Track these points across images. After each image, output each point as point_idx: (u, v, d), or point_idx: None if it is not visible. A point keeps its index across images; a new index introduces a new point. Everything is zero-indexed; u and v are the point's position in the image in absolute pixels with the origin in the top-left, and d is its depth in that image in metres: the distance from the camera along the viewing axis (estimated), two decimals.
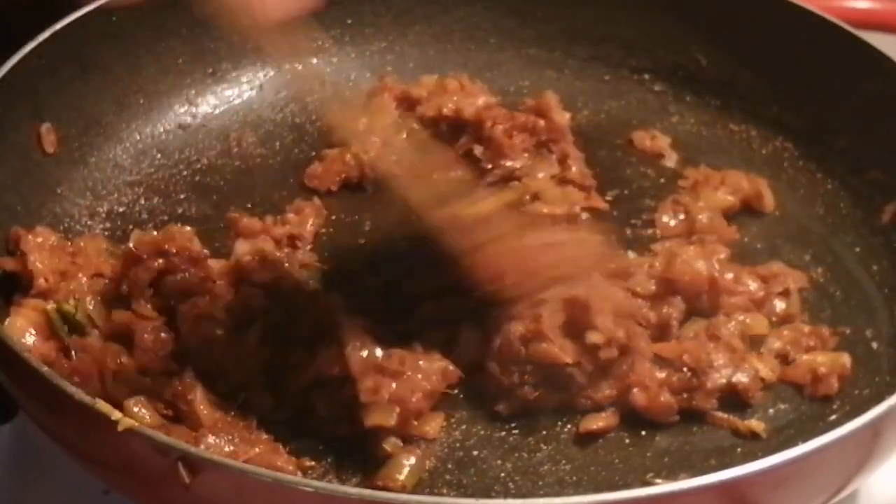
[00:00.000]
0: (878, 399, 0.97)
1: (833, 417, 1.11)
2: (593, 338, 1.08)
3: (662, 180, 1.36)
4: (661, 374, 1.10)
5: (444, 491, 1.03)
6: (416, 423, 1.06)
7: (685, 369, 1.10)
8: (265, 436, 1.04)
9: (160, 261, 1.12)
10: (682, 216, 1.28)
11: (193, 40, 1.40)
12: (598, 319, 1.09)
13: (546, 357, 1.07)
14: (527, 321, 1.08)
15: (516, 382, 1.08)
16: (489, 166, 1.32)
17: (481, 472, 1.05)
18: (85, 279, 1.15)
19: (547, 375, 1.08)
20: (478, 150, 1.32)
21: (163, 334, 1.09)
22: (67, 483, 1.15)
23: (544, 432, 1.08)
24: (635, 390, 1.09)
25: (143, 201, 1.30)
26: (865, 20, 1.49)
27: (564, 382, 1.08)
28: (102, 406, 0.92)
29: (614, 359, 1.09)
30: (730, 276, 1.19)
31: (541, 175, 1.31)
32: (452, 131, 1.35)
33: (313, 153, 1.36)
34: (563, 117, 1.35)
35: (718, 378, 1.10)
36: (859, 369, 1.15)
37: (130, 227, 1.26)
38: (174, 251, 1.13)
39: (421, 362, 1.08)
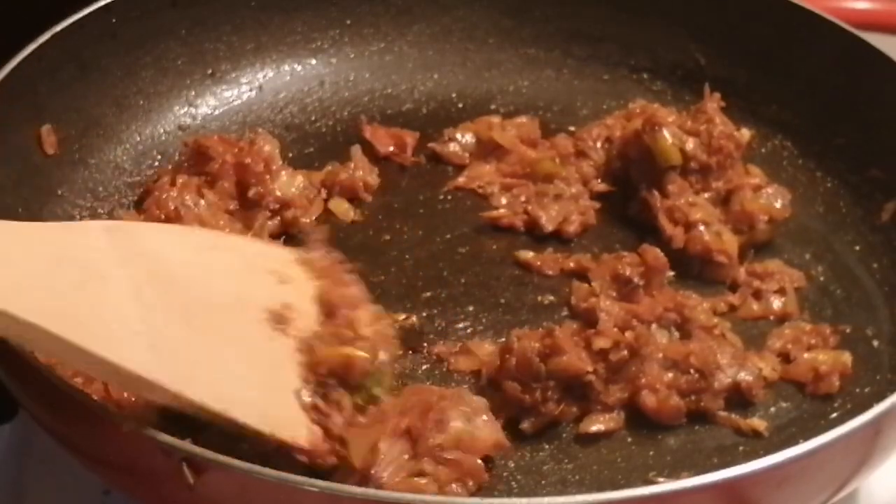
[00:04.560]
0: (880, 397, 0.97)
1: (834, 416, 1.11)
2: (600, 343, 1.08)
3: None
4: (669, 376, 1.10)
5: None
6: None
7: (692, 371, 1.10)
8: None
9: None
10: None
11: (193, 41, 1.40)
12: (600, 325, 1.10)
13: (568, 369, 1.07)
14: (540, 337, 1.08)
15: (539, 399, 1.07)
16: None
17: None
18: None
19: (567, 387, 1.08)
20: None
21: None
22: (67, 483, 1.15)
23: (547, 431, 1.08)
24: (644, 392, 1.09)
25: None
26: (865, 20, 1.49)
27: (584, 392, 1.08)
28: (107, 407, 0.92)
29: (625, 360, 1.09)
30: None
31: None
32: None
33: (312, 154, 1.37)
34: None
35: (724, 378, 1.10)
36: (860, 367, 1.15)
37: None
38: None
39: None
